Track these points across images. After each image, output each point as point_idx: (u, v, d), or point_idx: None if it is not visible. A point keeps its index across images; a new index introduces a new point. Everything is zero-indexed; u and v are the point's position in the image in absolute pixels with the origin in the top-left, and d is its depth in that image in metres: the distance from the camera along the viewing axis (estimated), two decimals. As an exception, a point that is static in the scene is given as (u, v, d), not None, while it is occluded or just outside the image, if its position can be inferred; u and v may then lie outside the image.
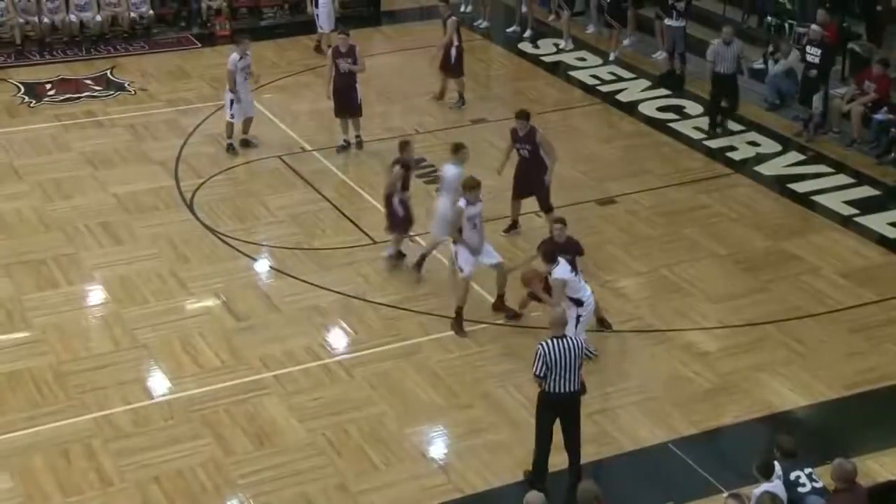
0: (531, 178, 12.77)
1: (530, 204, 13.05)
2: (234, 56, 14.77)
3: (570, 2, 19.30)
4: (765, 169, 15.01)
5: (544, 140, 12.75)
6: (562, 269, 10.31)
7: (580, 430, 9.23)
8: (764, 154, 15.43)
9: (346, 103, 14.98)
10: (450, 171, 12.15)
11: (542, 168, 12.75)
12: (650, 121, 16.52)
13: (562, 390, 8.91)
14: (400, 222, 12.36)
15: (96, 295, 12.10)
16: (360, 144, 15.35)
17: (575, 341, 9.01)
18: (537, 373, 8.90)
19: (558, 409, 9.06)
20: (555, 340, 8.89)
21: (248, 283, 12.36)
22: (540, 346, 8.91)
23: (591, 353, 10.58)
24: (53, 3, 18.83)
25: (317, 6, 18.58)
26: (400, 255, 12.51)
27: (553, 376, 8.86)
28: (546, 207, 12.86)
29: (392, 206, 12.28)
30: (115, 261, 12.64)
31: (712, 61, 15.69)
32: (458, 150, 12.23)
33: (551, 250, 10.51)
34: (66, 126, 16.08)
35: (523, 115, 12.65)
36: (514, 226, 13.12)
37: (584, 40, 19.43)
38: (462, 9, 20.74)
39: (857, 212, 13.80)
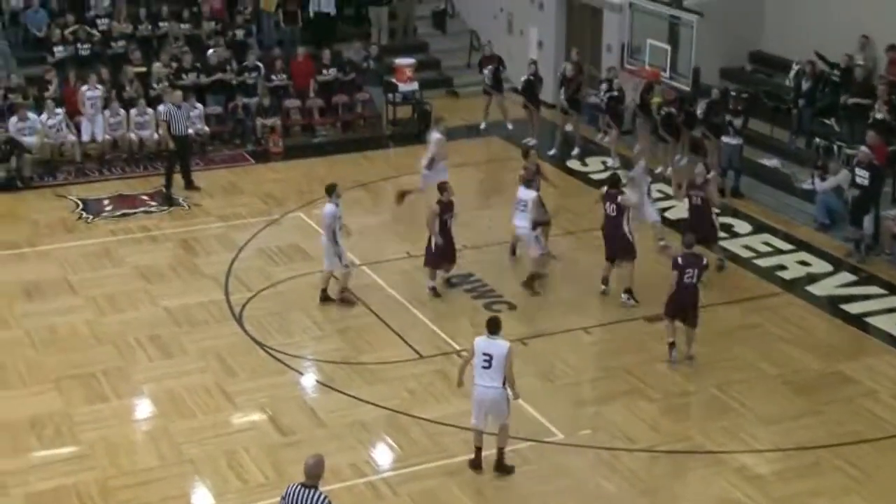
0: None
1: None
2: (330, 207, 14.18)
3: (618, 120, 19.53)
4: (816, 289, 14.85)
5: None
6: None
7: None
8: (815, 274, 15.29)
9: None
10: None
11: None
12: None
13: None
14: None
15: (144, 409, 12.15)
16: None
17: (319, 498, 8.21)
18: None
19: None
20: (300, 488, 8.29)
21: (293, 397, 12.35)
22: (287, 488, 8.40)
23: None
24: (115, 120, 19.41)
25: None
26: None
27: None
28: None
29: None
30: (164, 374, 12.72)
31: None
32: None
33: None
34: (121, 241, 16.39)
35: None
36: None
37: (631, 158, 19.48)
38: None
39: (911, 334, 13.58)
